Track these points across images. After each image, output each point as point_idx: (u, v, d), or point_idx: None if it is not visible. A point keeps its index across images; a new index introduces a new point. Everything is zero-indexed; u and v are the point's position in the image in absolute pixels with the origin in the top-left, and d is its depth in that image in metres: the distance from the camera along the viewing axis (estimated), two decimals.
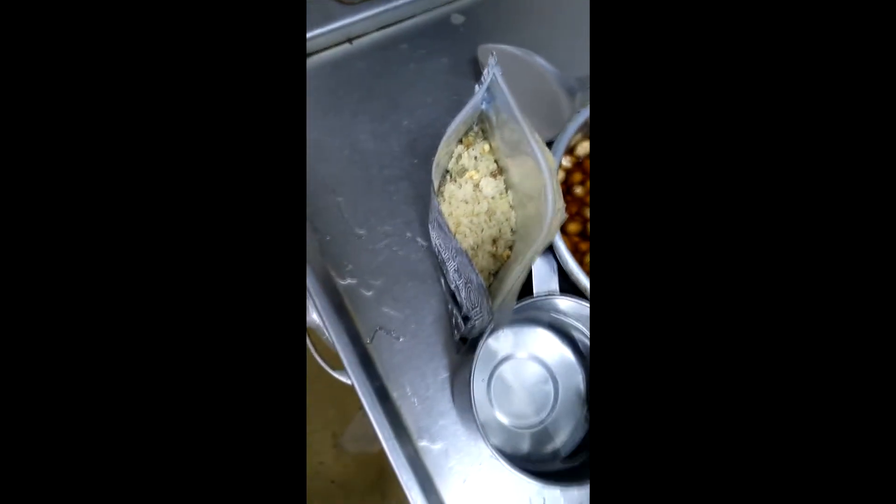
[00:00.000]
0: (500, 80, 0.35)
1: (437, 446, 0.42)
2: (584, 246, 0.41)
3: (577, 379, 0.41)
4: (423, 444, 0.41)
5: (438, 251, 0.39)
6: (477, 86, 0.36)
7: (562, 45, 0.52)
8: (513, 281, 0.33)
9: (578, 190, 0.43)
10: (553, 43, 0.52)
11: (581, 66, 0.49)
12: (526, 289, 0.36)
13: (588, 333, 0.38)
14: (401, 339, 0.44)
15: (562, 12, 0.55)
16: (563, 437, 0.40)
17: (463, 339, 0.39)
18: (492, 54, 0.34)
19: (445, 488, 0.41)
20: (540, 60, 0.49)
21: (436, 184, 0.35)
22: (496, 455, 0.32)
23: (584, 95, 0.44)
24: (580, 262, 0.36)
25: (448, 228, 0.31)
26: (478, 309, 0.33)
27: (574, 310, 0.37)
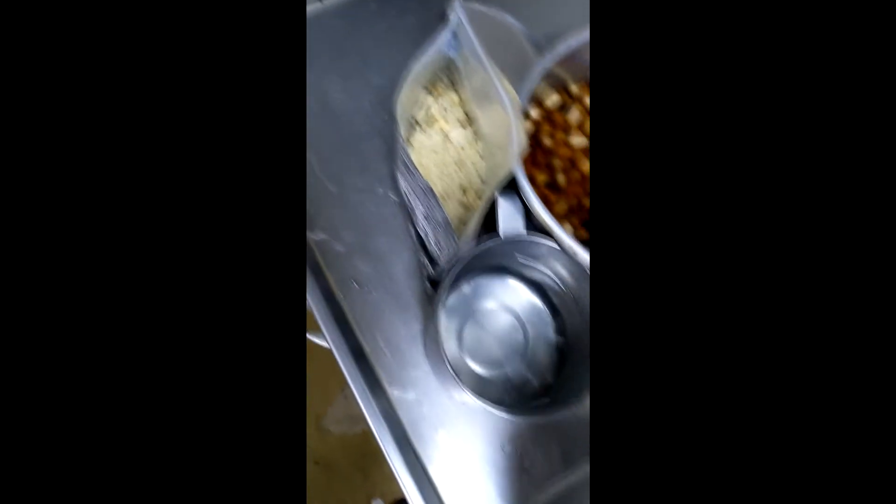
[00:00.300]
0: (465, 23, 0.35)
1: (409, 396, 0.42)
2: (552, 196, 0.42)
3: (546, 324, 0.42)
4: (395, 393, 0.42)
5: (407, 198, 0.39)
6: (443, 29, 0.36)
7: (530, 2, 0.53)
8: (477, 215, 0.33)
9: (547, 141, 0.43)
10: (521, 1, 0.53)
11: (548, 22, 0.50)
12: (493, 230, 0.37)
13: (555, 278, 0.39)
14: (373, 293, 0.44)
15: None
16: (535, 381, 0.41)
17: (433, 284, 0.39)
18: (458, 1, 0.35)
19: (419, 437, 0.41)
20: (508, 18, 0.49)
21: (402, 128, 0.35)
22: (466, 390, 0.32)
23: (552, 51, 0.44)
24: (546, 206, 0.36)
25: (413, 166, 0.31)
26: (445, 249, 0.33)
27: (540, 251, 0.37)
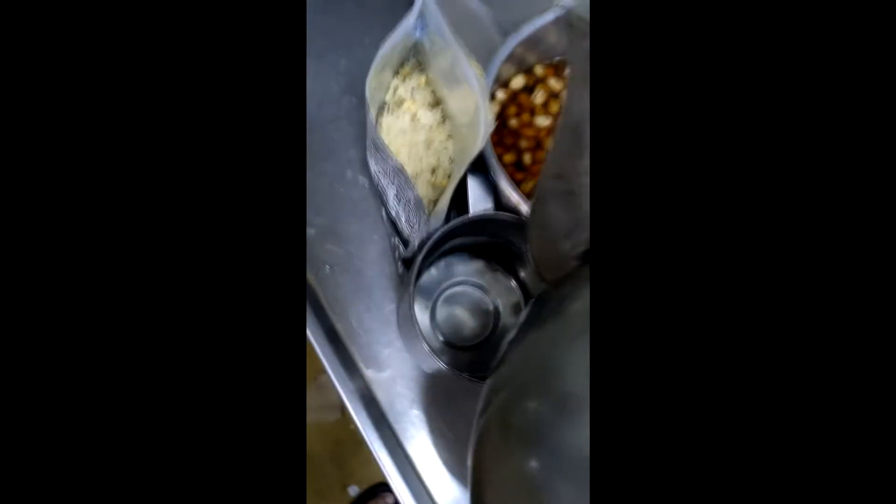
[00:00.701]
0: (432, 4, 0.35)
1: (384, 374, 0.43)
2: (519, 175, 0.43)
3: (515, 297, 0.43)
4: (369, 372, 0.42)
5: (378, 180, 0.39)
6: (410, 11, 0.36)
7: None
8: (447, 193, 0.34)
9: (513, 122, 0.44)
10: None
11: (515, 7, 0.51)
12: (463, 210, 0.38)
13: (524, 253, 0.40)
14: (345, 276, 0.44)
15: None
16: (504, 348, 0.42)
17: (406, 263, 0.40)
18: None
19: (395, 414, 0.42)
20: (474, 1, 0.49)
21: (372, 111, 0.35)
22: (438, 360, 0.33)
23: (517, 33, 0.45)
24: (514, 183, 0.37)
25: (385, 147, 0.32)
26: (416, 226, 0.34)
27: (509, 229, 0.38)
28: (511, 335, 0.25)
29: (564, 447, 0.19)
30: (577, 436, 0.19)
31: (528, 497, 0.20)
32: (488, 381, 0.26)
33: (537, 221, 0.26)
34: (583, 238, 0.25)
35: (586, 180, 0.24)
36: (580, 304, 0.22)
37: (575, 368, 0.20)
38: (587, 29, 0.23)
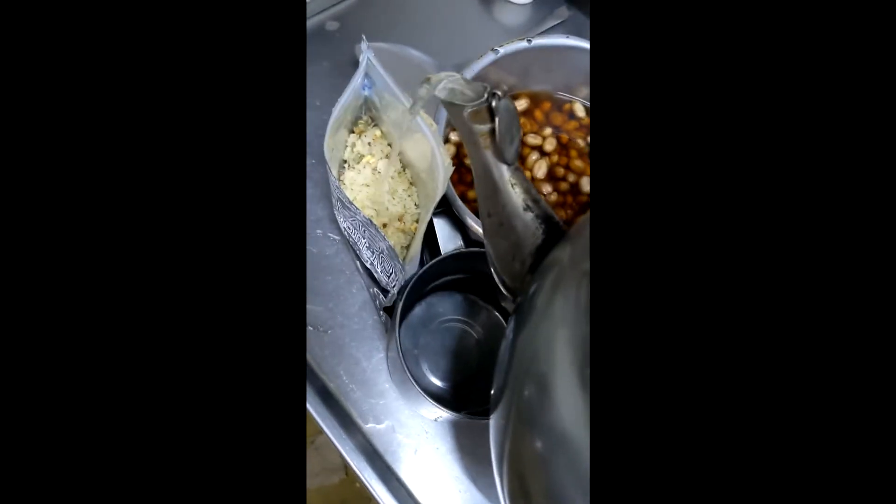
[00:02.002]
0: (374, 62, 0.37)
1: (382, 426, 0.42)
2: None
3: (497, 327, 0.44)
4: (369, 426, 0.42)
5: (349, 235, 0.40)
6: (356, 72, 0.38)
7: (435, 38, 0.56)
8: (417, 239, 0.35)
9: (469, 160, 0.46)
10: (427, 37, 0.56)
11: (456, 54, 0.53)
12: (435, 252, 0.39)
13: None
14: (329, 332, 0.44)
15: (430, 9, 0.59)
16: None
17: (387, 311, 0.40)
18: (363, 38, 0.37)
19: (399, 464, 0.41)
20: (414, 52, 0.52)
21: (334, 170, 0.37)
22: (434, 404, 0.33)
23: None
24: (478, 219, 0.39)
25: (349, 201, 0.33)
26: (393, 274, 0.35)
27: (481, 261, 0.39)
28: (505, 343, 0.28)
29: (553, 424, 0.21)
30: (555, 414, 0.20)
31: (539, 474, 0.21)
32: (497, 367, 0.28)
33: (491, 253, 0.31)
34: (524, 255, 0.29)
35: (506, 210, 0.29)
36: (541, 301, 0.25)
37: (545, 352, 0.22)
38: (464, 99, 0.27)
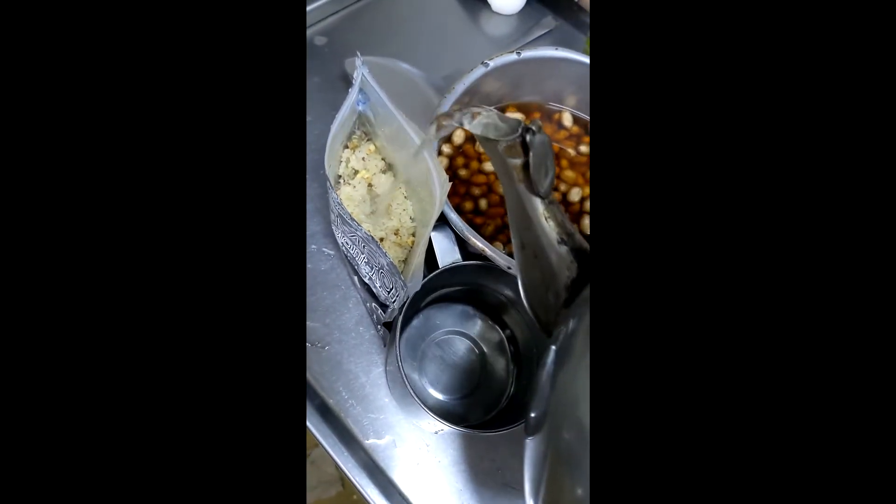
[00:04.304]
0: (369, 77, 0.37)
1: (383, 441, 0.42)
2: (479, 220, 0.45)
3: (497, 338, 0.44)
4: (370, 442, 0.42)
5: (346, 250, 0.40)
6: (350, 88, 0.38)
7: (423, 51, 0.56)
8: (418, 256, 0.35)
9: (463, 172, 0.46)
10: (415, 50, 0.56)
11: (445, 65, 0.54)
12: (433, 266, 0.39)
13: (497, 294, 0.42)
14: (326, 348, 0.44)
15: (417, 22, 0.60)
16: (496, 394, 0.43)
17: (386, 325, 0.40)
18: (357, 55, 0.37)
19: (401, 478, 0.41)
20: (405, 66, 0.52)
21: (332, 182, 0.37)
22: (434, 417, 0.33)
23: (453, 91, 0.48)
24: (477, 232, 0.39)
25: (350, 217, 0.33)
26: (393, 290, 0.35)
27: (478, 273, 0.40)
28: (545, 371, 0.27)
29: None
30: None
31: None
32: (534, 405, 0.28)
33: (524, 285, 0.31)
34: (559, 288, 0.28)
35: (540, 243, 0.29)
36: (579, 345, 0.24)
37: (583, 396, 0.22)
38: (498, 133, 0.27)
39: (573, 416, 0.22)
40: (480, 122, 0.27)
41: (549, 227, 0.28)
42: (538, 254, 0.29)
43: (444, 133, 0.31)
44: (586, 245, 0.29)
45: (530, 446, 0.27)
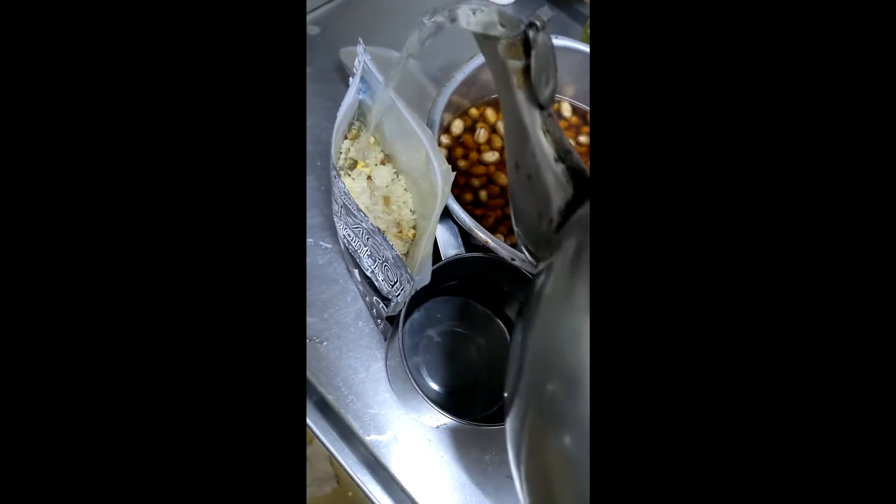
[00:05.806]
0: (371, 65, 0.36)
1: (384, 436, 0.42)
2: (479, 212, 0.44)
3: (497, 331, 0.44)
4: (370, 437, 0.41)
5: (347, 243, 0.39)
6: (351, 78, 0.37)
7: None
8: (423, 248, 0.34)
9: (462, 163, 0.46)
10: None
11: (439, 56, 0.53)
12: (435, 258, 0.38)
13: (497, 285, 0.41)
14: (325, 343, 0.43)
15: (410, 10, 0.58)
16: (498, 387, 0.42)
17: (388, 319, 0.39)
18: (360, 42, 0.36)
19: (403, 473, 0.41)
20: (399, 55, 0.51)
21: (333, 174, 0.36)
22: (437, 410, 0.33)
23: (451, 81, 0.47)
24: (478, 222, 0.38)
25: (357, 208, 0.32)
26: (398, 283, 0.34)
27: (479, 265, 0.39)
28: (516, 339, 0.26)
29: (583, 420, 0.20)
30: (587, 408, 0.19)
31: (566, 471, 0.21)
32: (509, 366, 0.26)
33: (515, 211, 0.29)
34: (552, 212, 0.27)
35: (536, 161, 0.27)
36: (564, 278, 0.23)
37: (570, 338, 0.21)
38: (498, 31, 0.25)
39: (557, 363, 0.21)
40: (479, 19, 0.25)
41: (546, 143, 0.26)
42: (532, 174, 0.27)
43: (435, 28, 0.28)
44: (584, 165, 0.27)
45: (509, 420, 0.26)
